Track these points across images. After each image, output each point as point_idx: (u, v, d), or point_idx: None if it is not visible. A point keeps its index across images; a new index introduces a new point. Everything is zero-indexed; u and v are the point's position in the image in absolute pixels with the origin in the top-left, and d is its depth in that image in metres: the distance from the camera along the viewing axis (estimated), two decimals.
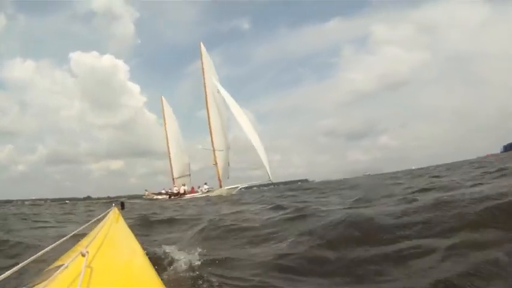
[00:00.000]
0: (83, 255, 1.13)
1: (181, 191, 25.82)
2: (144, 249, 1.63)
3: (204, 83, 27.21)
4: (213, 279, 2.00)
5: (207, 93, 27.04)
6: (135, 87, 69.18)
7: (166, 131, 30.93)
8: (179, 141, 31.47)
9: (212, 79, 26.83)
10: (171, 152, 30.36)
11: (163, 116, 31.28)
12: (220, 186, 25.26)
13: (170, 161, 30.29)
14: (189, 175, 30.14)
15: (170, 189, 27.86)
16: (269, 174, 22.94)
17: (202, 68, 27.36)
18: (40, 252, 1.23)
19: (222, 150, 26.80)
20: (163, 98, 31.58)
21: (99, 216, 2.12)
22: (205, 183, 25.57)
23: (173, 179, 29.54)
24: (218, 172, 25.88)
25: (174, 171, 29.70)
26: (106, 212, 2.33)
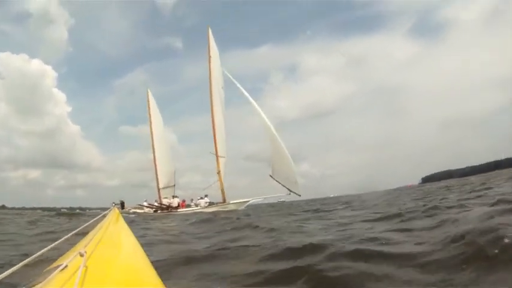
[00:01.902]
0: (82, 255, 1.11)
1: (174, 204, 20.60)
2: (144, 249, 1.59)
3: (210, 75, 22.75)
4: None
5: (212, 88, 22.61)
6: (61, 96, 64.08)
7: (151, 130, 25.57)
8: (166, 144, 26.31)
9: (219, 71, 22.53)
10: (156, 157, 24.98)
11: (149, 112, 26.04)
12: (224, 200, 20.55)
13: (156, 167, 24.90)
14: (174, 186, 25.12)
15: (156, 201, 22.47)
16: (297, 185, 18.90)
17: (209, 56, 22.95)
18: (39, 252, 1.23)
19: (224, 157, 22.29)
20: (149, 91, 26.49)
21: (98, 216, 2.11)
22: (206, 196, 21.10)
23: (158, 190, 24.15)
24: (221, 182, 21.25)
25: (160, 180, 24.28)
26: (106, 211, 2.39)
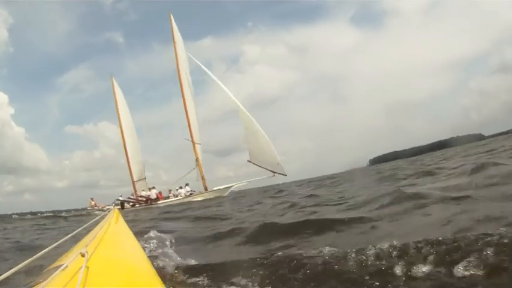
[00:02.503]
0: (83, 255, 1.11)
1: (153, 196, 19.79)
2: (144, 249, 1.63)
3: (177, 62, 22.06)
4: None
5: (181, 75, 21.95)
6: (3, 97, 58.54)
7: (120, 121, 24.00)
8: (134, 135, 25.00)
9: (184, 57, 21.92)
10: (128, 148, 23.59)
11: (115, 101, 24.42)
12: (205, 188, 20.21)
13: (128, 159, 23.52)
14: (145, 179, 24.16)
15: (132, 194, 21.40)
16: (279, 166, 19.14)
17: (174, 42, 22.12)
18: (40, 253, 1.22)
19: (200, 144, 21.89)
20: (113, 79, 24.77)
21: (99, 217, 2.14)
22: (187, 184, 20.35)
23: (133, 183, 22.99)
24: (201, 169, 20.92)
25: (133, 172, 23.08)
26: (106, 212, 2.42)
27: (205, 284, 1.79)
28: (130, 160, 23.53)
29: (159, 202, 19.49)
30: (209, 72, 22.50)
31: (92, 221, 1.96)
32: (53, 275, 1.01)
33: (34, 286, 1.04)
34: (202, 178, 20.73)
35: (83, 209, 24.46)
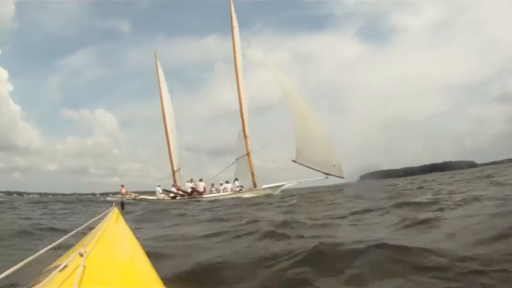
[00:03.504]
0: (81, 255, 1.11)
1: (200, 189, 18.52)
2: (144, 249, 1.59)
3: (234, 48, 20.75)
4: None
5: (237, 61, 20.62)
6: (3, 73, 58.06)
7: (162, 104, 22.63)
8: (173, 123, 23.71)
9: (240, 44, 20.74)
10: (169, 135, 22.29)
11: (158, 82, 22.92)
12: (254, 184, 18.95)
13: (169, 147, 22.17)
14: (179, 170, 23.00)
15: (173, 185, 20.18)
16: (337, 167, 17.83)
17: (232, 27, 20.84)
18: (39, 252, 1.22)
19: (249, 137, 20.66)
20: (157, 56, 23.27)
21: (99, 216, 2.11)
22: (236, 179, 19.04)
23: (173, 172, 21.68)
24: (251, 164, 19.49)
25: (174, 162, 21.84)
26: (106, 211, 2.33)
27: None
28: (172, 147, 22.26)
29: (204, 196, 18.26)
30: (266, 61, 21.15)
31: (92, 220, 1.97)
32: (50, 275, 1.00)
33: (32, 286, 1.02)
34: (252, 174, 19.44)
35: (113, 194, 23.36)
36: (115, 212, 2.37)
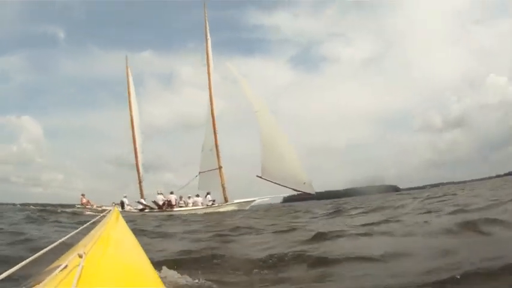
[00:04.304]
0: (80, 256, 1.11)
1: (173, 202, 18.30)
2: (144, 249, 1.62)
3: (208, 60, 20.92)
4: None
5: (210, 67, 20.88)
6: None
7: (130, 110, 21.75)
8: (139, 132, 22.95)
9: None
10: (136, 138, 21.49)
11: (128, 87, 22.10)
12: (225, 199, 19.27)
13: (136, 156, 21.41)
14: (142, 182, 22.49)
15: (143, 197, 19.56)
16: (307, 184, 18.77)
17: (206, 39, 21.02)
18: (39, 253, 1.23)
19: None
20: (127, 61, 22.61)
21: (98, 217, 2.14)
22: (208, 193, 19.05)
23: (140, 183, 21.00)
24: (223, 178, 19.71)
25: (140, 168, 21.16)
26: (106, 211, 2.45)
27: None
28: (139, 152, 21.48)
29: (175, 210, 18.03)
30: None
31: (92, 221, 1.97)
32: (50, 275, 1.01)
33: (32, 286, 1.04)
34: (223, 188, 19.67)
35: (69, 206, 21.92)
36: (115, 212, 2.34)
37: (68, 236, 1.53)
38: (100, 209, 17.86)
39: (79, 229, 1.76)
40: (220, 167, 19.94)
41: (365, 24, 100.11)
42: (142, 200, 18.99)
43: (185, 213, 16.58)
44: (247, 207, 18.58)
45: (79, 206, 18.39)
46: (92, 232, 1.76)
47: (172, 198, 18.54)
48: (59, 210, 15.38)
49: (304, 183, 19.26)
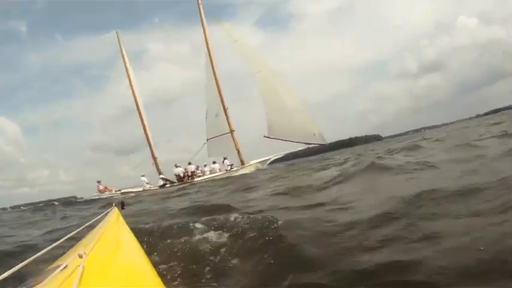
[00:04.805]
0: (80, 256, 1.11)
1: (189, 173, 18.53)
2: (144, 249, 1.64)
3: (207, 42, 20.36)
4: None
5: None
6: None
7: (132, 88, 21.07)
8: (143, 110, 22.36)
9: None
10: (145, 119, 21.19)
11: (125, 64, 21.20)
12: (241, 161, 19.56)
13: (146, 133, 21.19)
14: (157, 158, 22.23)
15: (160, 173, 19.68)
16: (318, 135, 19.10)
17: (202, 21, 20.18)
18: (39, 253, 1.23)
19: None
20: (119, 36, 21.34)
21: (99, 216, 2.13)
22: (225, 158, 19.28)
23: (154, 160, 20.97)
24: (236, 142, 19.90)
25: (154, 146, 21.12)
26: (106, 211, 2.35)
27: None
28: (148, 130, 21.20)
29: (195, 180, 18.30)
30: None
31: (91, 221, 1.98)
32: (50, 276, 1.02)
33: (32, 287, 1.04)
34: (238, 151, 19.92)
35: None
36: (115, 212, 2.36)
37: (68, 236, 1.51)
38: (120, 192, 18.00)
39: (79, 229, 1.75)
40: (232, 131, 19.99)
41: None
42: (163, 176, 19.19)
43: (204, 180, 16.87)
44: (264, 166, 19.06)
45: (96, 194, 18.31)
46: (92, 232, 1.76)
47: (192, 168, 18.69)
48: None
49: (315, 134, 19.34)
